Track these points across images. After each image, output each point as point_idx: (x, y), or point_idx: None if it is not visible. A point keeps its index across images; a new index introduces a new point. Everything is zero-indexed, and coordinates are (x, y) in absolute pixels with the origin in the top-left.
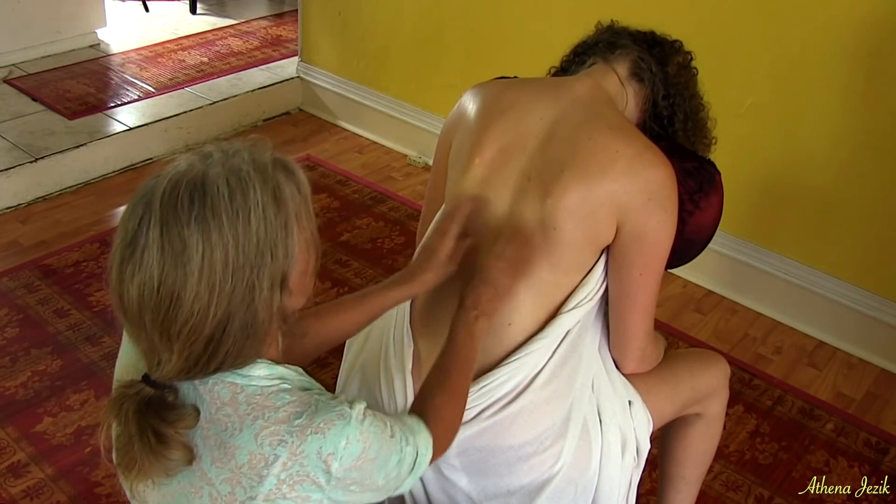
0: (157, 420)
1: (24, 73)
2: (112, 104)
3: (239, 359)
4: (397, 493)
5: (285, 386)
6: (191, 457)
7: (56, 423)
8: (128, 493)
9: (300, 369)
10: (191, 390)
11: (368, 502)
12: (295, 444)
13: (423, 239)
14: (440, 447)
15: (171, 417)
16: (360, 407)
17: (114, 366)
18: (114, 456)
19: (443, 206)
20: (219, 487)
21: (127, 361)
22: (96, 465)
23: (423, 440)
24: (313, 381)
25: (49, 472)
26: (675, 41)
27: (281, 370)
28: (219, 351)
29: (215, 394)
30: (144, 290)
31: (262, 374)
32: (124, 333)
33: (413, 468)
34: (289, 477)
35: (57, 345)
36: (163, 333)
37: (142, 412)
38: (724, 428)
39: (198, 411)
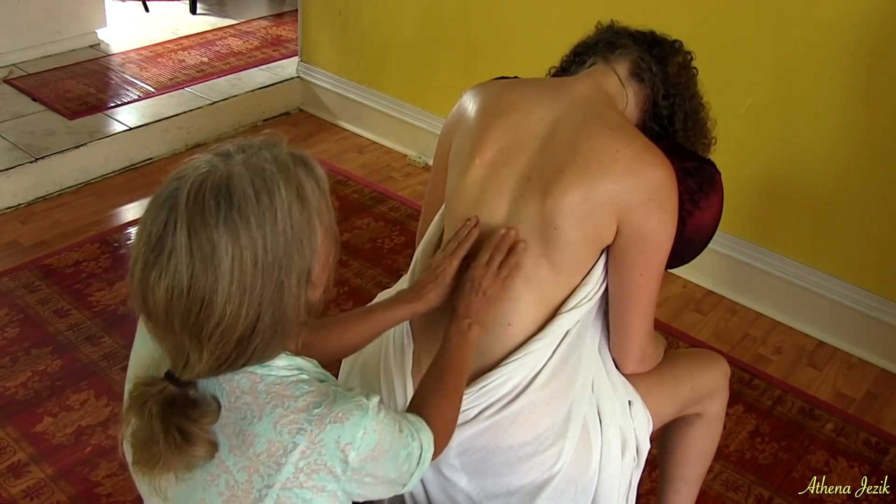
0: (182, 418)
1: (24, 73)
2: (112, 104)
3: (266, 353)
4: (405, 489)
5: (304, 376)
6: (214, 451)
7: (56, 423)
8: (144, 489)
9: (315, 361)
10: (210, 381)
11: (379, 497)
12: (314, 432)
13: (427, 262)
14: (440, 445)
15: (196, 415)
16: (376, 399)
17: (114, 366)
18: (127, 453)
19: (442, 206)
20: (236, 475)
21: (143, 354)
22: (96, 465)
23: (426, 437)
24: (328, 373)
25: (49, 472)
26: (675, 41)
27: (299, 361)
28: (248, 348)
29: (235, 383)
30: (173, 294)
31: (281, 364)
32: (139, 327)
33: (418, 464)
34: (307, 465)
35: (57, 345)
36: (193, 336)
37: (166, 411)
38: (724, 428)
39: (219, 404)
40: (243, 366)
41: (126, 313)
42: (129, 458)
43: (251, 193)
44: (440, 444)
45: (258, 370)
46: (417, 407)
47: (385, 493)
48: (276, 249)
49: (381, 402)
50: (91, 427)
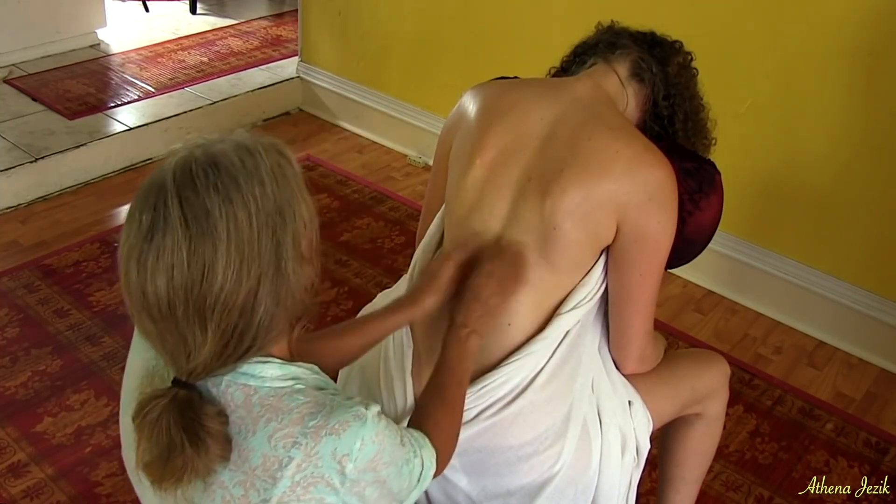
0: (204, 416)
1: (24, 73)
2: (112, 104)
3: (271, 332)
4: None
5: (299, 386)
6: (229, 450)
7: (56, 423)
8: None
9: (315, 367)
10: (207, 393)
11: None
12: (309, 445)
13: (427, 263)
14: (442, 462)
15: (213, 411)
16: (376, 409)
17: (114, 366)
18: (140, 474)
19: (442, 206)
20: (232, 490)
21: (139, 365)
22: (96, 465)
23: (428, 454)
24: (328, 379)
25: (49, 472)
26: (676, 41)
27: (294, 370)
28: (252, 322)
29: (229, 396)
30: (174, 273)
31: (274, 374)
32: (134, 337)
33: (419, 481)
34: (303, 479)
35: (57, 345)
36: (196, 315)
37: (186, 415)
38: (724, 428)
39: (224, 412)
40: (248, 350)
41: (126, 313)
42: (145, 481)
43: (236, 160)
44: (442, 462)
45: (251, 381)
46: (418, 422)
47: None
48: (267, 208)
49: (381, 411)
50: (91, 427)
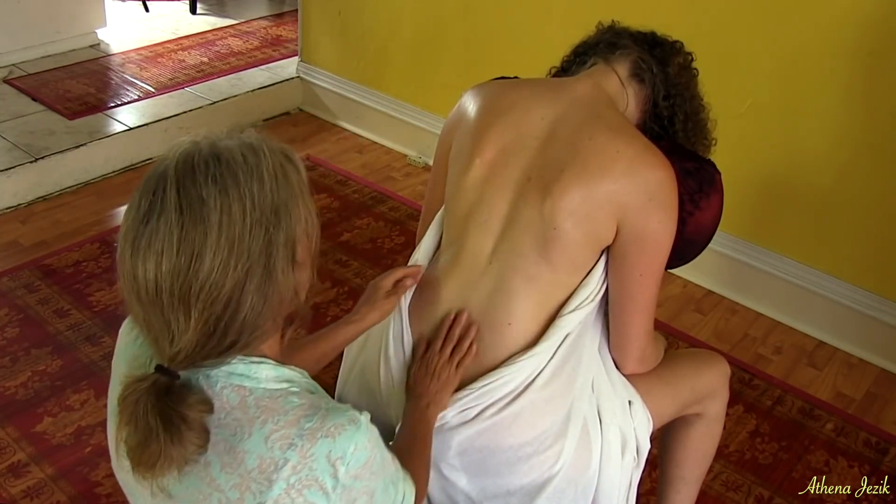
0: (181, 404)
1: (24, 73)
2: (112, 104)
3: (256, 330)
4: None
5: (294, 389)
6: (207, 440)
7: (56, 423)
8: (143, 497)
9: (305, 371)
10: (202, 392)
11: None
12: (305, 447)
13: (427, 263)
14: (418, 499)
15: (192, 399)
16: (368, 416)
17: None
18: (123, 461)
19: (442, 206)
20: (228, 493)
21: (123, 361)
22: (96, 465)
23: (409, 487)
24: (317, 384)
25: (49, 472)
26: (676, 42)
27: (287, 372)
28: (237, 316)
29: (224, 398)
30: (163, 257)
31: (269, 375)
32: (119, 338)
33: None
34: (298, 481)
35: (57, 345)
36: (180, 299)
37: (163, 401)
38: (724, 428)
39: (209, 401)
40: (232, 346)
41: (126, 313)
42: (124, 466)
43: (239, 156)
44: (419, 498)
45: (246, 383)
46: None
47: None
48: (263, 206)
49: (371, 420)
50: (91, 427)
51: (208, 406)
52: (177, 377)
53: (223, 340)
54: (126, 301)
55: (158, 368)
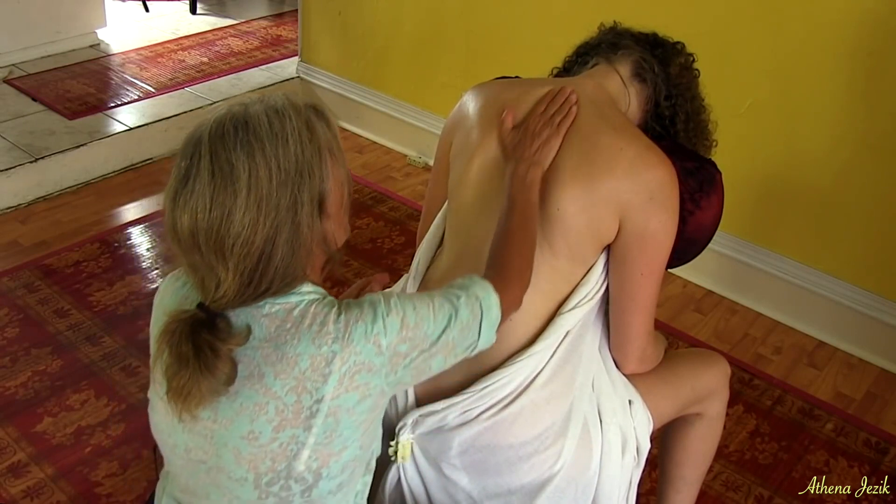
0: (211, 336)
1: (24, 73)
2: (112, 104)
3: (287, 278)
4: (476, 350)
5: (328, 299)
6: (234, 374)
7: (56, 423)
8: (175, 431)
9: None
10: (247, 314)
11: (444, 367)
12: (346, 337)
13: (428, 261)
14: (512, 295)
15: (223, 335)
16: (380, 294)
17: (114, 366)
18: (162, 392)
19: (443, 206)
20: (285, 399)
21: (161, 314)
22: (96, 465)
23: (480, 289)
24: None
25: (49, 472)
26: (678, 43)
27: (321, 289)
28: (269, 266)
29: (272, 315)
30: (197, 214)
31: (308, 289)
32: (156, 300)
33: (482, 317)
34: (348, 370)
35: (57, 345)
36: (217, 251)
37: (196, 331)
38: (725, 428)
39: (250, 330)
40: (267, 290)
41: (126, 313)
42: (159, 390)
43: (265, 121)
44: (514, 294)
45: (291, 298)
46: (487, 268)
47: (446, 362)
48: (288, 167)
49: (383, 293)
50: (91, 427)
51: (240, 339)
52: (215, 315)
53: (259, 288)
54: (172, 247)
55: (200, 306)
